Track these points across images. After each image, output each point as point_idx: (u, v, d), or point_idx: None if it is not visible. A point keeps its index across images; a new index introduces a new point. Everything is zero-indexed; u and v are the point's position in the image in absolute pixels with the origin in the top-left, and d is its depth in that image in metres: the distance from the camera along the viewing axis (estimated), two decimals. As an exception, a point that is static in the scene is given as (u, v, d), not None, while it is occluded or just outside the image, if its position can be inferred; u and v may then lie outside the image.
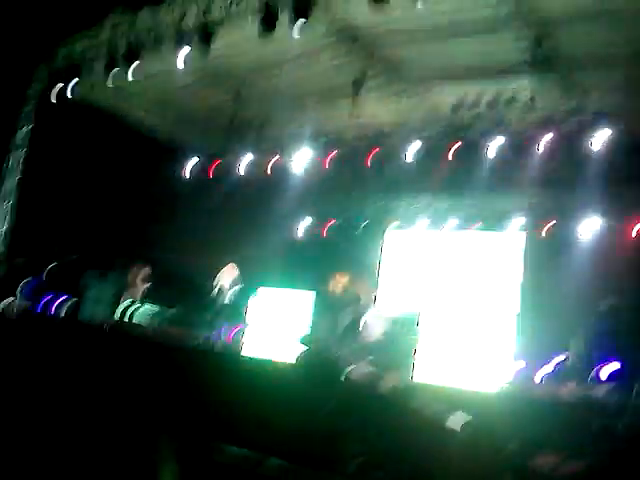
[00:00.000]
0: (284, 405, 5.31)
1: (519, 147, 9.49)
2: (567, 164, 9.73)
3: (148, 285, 9.76)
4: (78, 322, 8.51)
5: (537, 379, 8.01)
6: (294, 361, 6.31)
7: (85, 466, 5.31)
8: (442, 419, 4.33)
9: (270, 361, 6.86)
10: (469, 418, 4.12)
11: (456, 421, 4.35)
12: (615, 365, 7.15)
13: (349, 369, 4.80)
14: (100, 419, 5.89)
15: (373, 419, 4.42)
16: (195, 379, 6.57)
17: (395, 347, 7.83)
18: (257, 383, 6.10)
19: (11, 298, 9.13)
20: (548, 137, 8.92)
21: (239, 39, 9.25)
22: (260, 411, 5.56)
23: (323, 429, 4.85)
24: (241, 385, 6.13)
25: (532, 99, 8.89)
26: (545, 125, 8.93)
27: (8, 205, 10.16)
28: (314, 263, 10.91)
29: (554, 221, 10.80)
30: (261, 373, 6.49)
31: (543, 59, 8.42)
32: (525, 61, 8.59)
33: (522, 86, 8.91)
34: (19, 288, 9.24)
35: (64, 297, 9.28)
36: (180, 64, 8.98)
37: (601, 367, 7.27)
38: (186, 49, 8.78)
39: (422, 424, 4.37)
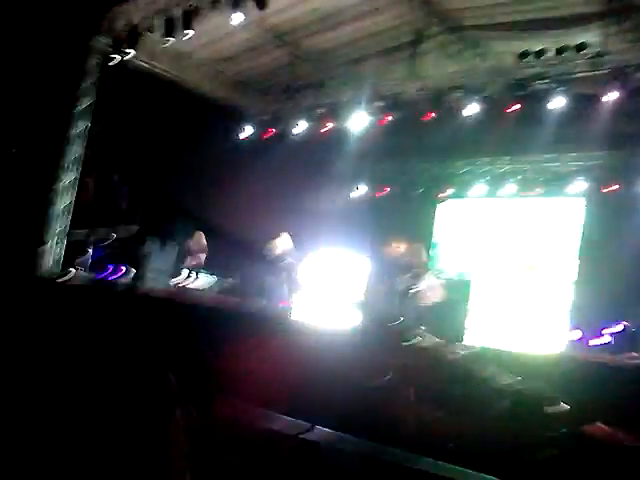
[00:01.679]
0: (341, 373, 5.29)
1: (584, 104, 9.00)
2: (635, 121, 9.22)
3: (206, 254, 9.94)
4: (140, 292, 8.74)
5: (593, 347, 7.80)
6: (353, 327, 6.28)
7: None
8: (510, 387, 4.22)
9: (327, 328, 6.87)
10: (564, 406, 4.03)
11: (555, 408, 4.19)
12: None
13: (415, 339, 4.72)
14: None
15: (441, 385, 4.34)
16: (252, 345, 6.66)
17: (450, 312, 7.79)
18: (312, 350, 6.07)
19: (73, 270, 9.41)
20: (616, 93, 8.41)
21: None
22: (314, 379, 5.55)
23: (382, 397, 4.81)
24: (295, 351, 6.13)
25: (600, 52, 8.43)
26: (613, 79, 8.43)
27: (71, 179, 10.43)
28: (369, 228, 10.84)
29: (617, 185, 10.31)
30: (317, 340, 6.47)
31: (614, 9, 7.97)
32: (595, 12, 8.16)
33: (591, 38, 8.47)
34: (81, 260, 9.50)
35: (124, 268, 9.53)
36: (237, 22, 8.99)
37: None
38: (243, 11, 8.78)
39: (489, 391, 4.26)
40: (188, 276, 9.65)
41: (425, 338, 5.09)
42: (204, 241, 10.07)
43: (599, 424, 3.81)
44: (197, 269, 9.86)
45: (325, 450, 4.38)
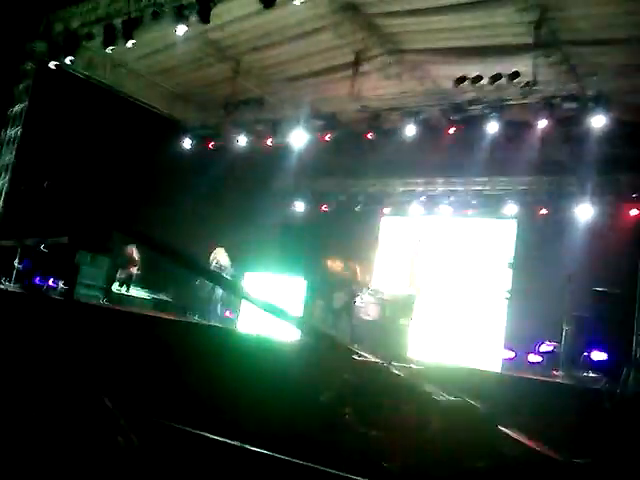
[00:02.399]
0: (279, 387, 5.23)
1: (516, 130, 9.39)
2: (563, 148, 9.68)
3: (138, 267, 9.74)
4: (74, 302, 8.48)
5: (526, 365, 8.08)
6: (293, 343, 6.26)
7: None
8: (446, 404, 4.26)
9: (269, 339, 6.83)
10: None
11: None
12: (603, 354, 7.20)
13: (355, 356, 4.68)
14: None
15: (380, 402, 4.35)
16: (187, 354, 6.53)
17: (389, 327, 7.91)
18: (253, 364, 5.96)
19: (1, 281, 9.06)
20: (545, 121, 8.82)
21: (239, 14, 9.21)
22: (252, 394, 5.48)
23: (323, 415, 4.78)
24: (237, 363, 6.01)
25: (531, 82, 8.81)
26: (542, 108, 8.83)
27: (1, 186, 10.08)
28: (307, 246, 10.91)
29: (547, 208, 10.78)
30: (258, 351, 6.36)
31: (544, 41, 8.35)
32: (527, 43, 8.53)
33: (523, 68, 8.84)
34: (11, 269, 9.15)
35: (52, 280, 9.24)
36: (179, 37, 8.94)
37: (589, 354, 7.32)
38: (185, 24, 8.72)
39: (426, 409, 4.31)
40: (120, 289, 9.43)
41: (363, 356, 5.10)
42: (136, 254, 9.87)
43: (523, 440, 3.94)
44: (129, 282, 9.65)
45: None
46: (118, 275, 9.77)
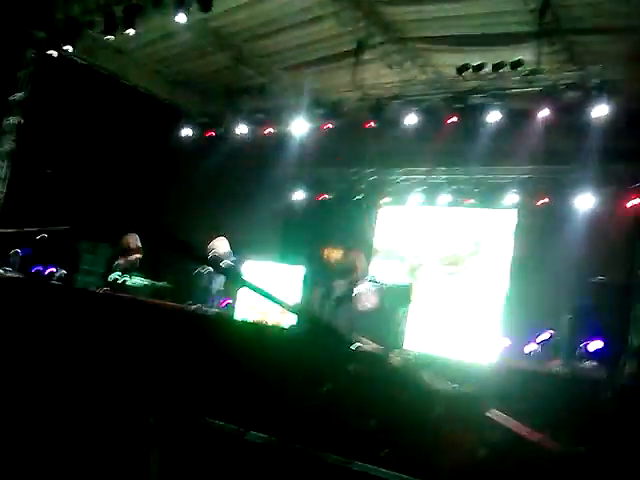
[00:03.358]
0: (277, 376, 5.23)
1: (518, 119, 9.36)
2: (565, 137, 9.62)
3: (139, 256, 9.70)
4: (73, 289, 8.51)
5: (523, 355, 8.07)
6: (293, 330, 6.25)
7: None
8: (447, 392, 4.27)
9: (267, 325, 6.83)
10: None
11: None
12: (599, 343, 7.19)
13: (355, 344, 4.68)
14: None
15: (381, 392, 4.35)
16: (189, 342, 6.54)
17: (387, 317, 7.91)
18: (254, 351, 5.93)
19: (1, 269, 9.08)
20: (547, 110, 8.78)
21: (240, 1, 9.18)
22: (253, 382, 5.46)
23: (323, 402, 4.78)
24: (235, 350, 5.99)
25: (534, 70, 8.77)
26: (545, 97, 8.79)
27: (1, 174, 10.09)
28: (307, 235, 10.89)
29: (547, 197, 10.72)
30: (256, 338, 6.36)
31: (548, 29, 8.30)
32: (530, 31, 8.48)
33: (526, 56, 8.79)
34: (8, 258, 9.16)
35: (53, 268, 9.25)
36: (180, 25, 8.92)
37: (587, 344, 7.31)
38: (186, 12, 8.70)
39: (426, 397, 4.31)
40: (119, 278, 9.43)
41: (365, 344, 5.12)
42: (138, 242, 9.84)
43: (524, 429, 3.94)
44: (130, 271, 9.63)
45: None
46: (118, 262, 9.75)
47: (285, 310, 6.92)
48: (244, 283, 6.85)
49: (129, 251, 9.63)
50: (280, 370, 5.20)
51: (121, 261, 9.64)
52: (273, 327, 6.71)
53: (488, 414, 3.74)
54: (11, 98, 10.20)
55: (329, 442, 4.48)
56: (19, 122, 9.94)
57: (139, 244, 9.77)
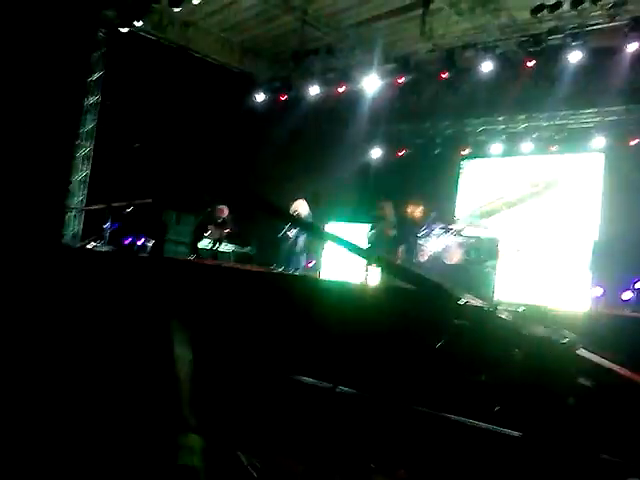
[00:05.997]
0: (381, 334, 5.12)
1: (602, 57, 8.84)
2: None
3: (230, 226, 9.93)
4: (162, 258, 8.76)
5: (617, 303, 7.79)
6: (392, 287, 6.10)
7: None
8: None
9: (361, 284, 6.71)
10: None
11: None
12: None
13: (464, 300, 4.56)
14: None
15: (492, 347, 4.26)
16: (277, 305, 6.60)
17: (475, 270, 7.81)
18: (351, 309, 5.80)
19: (93, 242, 9.45)
20: (635, 44, 8.24)
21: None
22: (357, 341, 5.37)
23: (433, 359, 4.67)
24: (327, 310, 5.91)
25: (618, 2, 8.24)
26: (632, 30, 8.25)
27: (86, 151, 10.47)
28: (388, 192, 10.69)
29: (637, 139, 10.15)
30: (354, 298, 6.24)
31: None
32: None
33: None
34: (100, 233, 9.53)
35: (143, 239, 9.58)
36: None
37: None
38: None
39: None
40: (209, 245, 9.69)
41: (469, 300, 4.97)
42: (227, 213, 10.08)
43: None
44: (221, 240, 9.89)
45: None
46: (211, 233, 10.01)
47: (372, 265, 6.89)
48: (329, 236, 6.84)
49: (224, 222, 9.91)
50: (379, 328, 5.15)
51: (214, 231, 9.92)
52: (371, 287, 6.71)
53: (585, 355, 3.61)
54: (89, 79, 10.51)
55: (439, 398, 4.44)
56: (105, 102, 10.26)
57: (227, 215, 10.02)
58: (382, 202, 8.80)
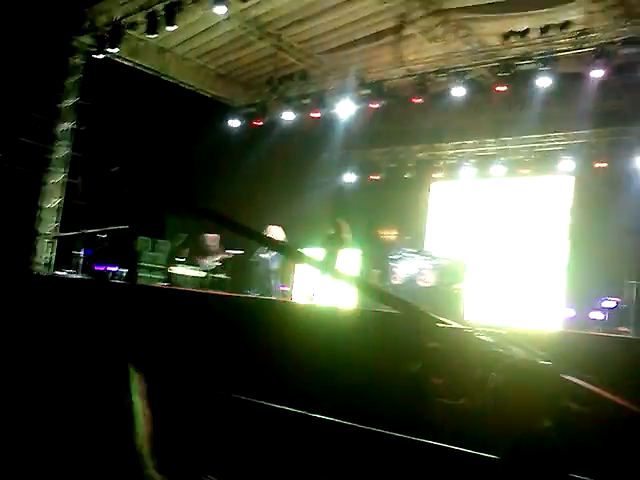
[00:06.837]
0: (354, 358, 5.03)
1: (570, 82, 9.03)
2: (621, 97, 9.24)
3: (225, 256, 9.70)
4: (133, 286, 8.69)
5: (588, 323, 7.87)
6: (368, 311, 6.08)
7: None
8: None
9: (336, 309, 6.72)
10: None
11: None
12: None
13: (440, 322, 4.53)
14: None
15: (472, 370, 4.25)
16: (249, 330, 6.53)
17: (445, 293, 7.84)
18: (326, 335, 5.73)
19: (65, 271, 9.37)
20: (601, 70, 8.42)
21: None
22: (331, 367, 5.28)
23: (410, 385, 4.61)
24: (304, 335, 5.81)
25: (584, 30, 8.45)
26: (598, 57, 8.43)
27: (60, 178, 10.39)
28: (360, 217, 10.70)
29: (605, 161, 10.32)
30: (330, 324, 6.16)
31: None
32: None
33: (574, 16, 8.47)
34: (73, 261, 9.45)
35: (115, 268, 9.49)
36: (219, 17, 8.95)
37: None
38: (224, 3, 8.76)
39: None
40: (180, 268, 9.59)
41: (446, 322, 4.93)
42: (217, 242, 9.84)
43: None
44: (214, 270, 9.68)
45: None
46: (206, 262, 9.74)
47: (361, 291, 6.85)
48: (303, 258, 6.83)
49: (212, 251, 9.67)
50: (359, 351, 5.05)
51: (205, 260, 9.64)
52: (343, 309, 6.68)
53: (567, 378, 3.59)
54: (62, 105, 10.47)
55: (416, 422, 4.37)
56: (76, 128, 10.22)
57: (218, 242, 9.78)
58: (338, 221, 8.74)
